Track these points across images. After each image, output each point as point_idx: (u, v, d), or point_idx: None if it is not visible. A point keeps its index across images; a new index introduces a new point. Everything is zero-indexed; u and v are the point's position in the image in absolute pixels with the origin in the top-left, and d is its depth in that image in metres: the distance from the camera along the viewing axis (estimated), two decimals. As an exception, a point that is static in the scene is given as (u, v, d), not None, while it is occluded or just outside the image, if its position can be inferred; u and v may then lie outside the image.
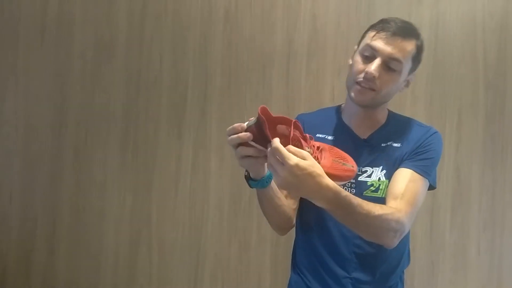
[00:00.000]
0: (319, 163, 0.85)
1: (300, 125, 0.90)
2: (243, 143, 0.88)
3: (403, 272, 1.16)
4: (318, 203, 0.85)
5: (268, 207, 1.07)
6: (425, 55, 1.15)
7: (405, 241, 1.13)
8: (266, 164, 0.91)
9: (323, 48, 1.72)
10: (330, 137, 1.12)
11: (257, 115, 0.86)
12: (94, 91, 1.83)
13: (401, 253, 1.13)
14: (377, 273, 1.08)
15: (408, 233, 1.13)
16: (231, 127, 0.88)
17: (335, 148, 0.96)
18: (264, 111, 0.87)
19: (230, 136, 0.88)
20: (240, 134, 0.86)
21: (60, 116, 1.84)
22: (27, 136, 1.85)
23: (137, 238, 1.80)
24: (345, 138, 1.11)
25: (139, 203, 1.80)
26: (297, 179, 0.79)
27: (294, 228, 1.20)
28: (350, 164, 0.93)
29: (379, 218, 0.91)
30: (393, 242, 0.97)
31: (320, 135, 1.13)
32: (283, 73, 1.74)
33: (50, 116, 1.84)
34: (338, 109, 1.19)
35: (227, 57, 1.77)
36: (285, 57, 1.73)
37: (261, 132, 0.85)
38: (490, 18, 1.65)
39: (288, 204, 1.13)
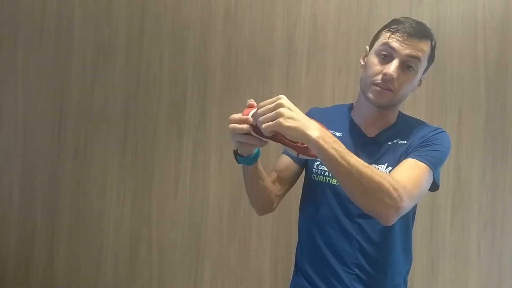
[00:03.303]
0: None
1: None
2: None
3: (407, 273, 1.16)
4: (314, 136, 0.84)
5: (250, 185, 1.10)
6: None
7: (409, 239, 1.13)
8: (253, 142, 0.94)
9: (323, 48, 1.72)
10: (338, 134, 1.12)
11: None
12: (93, 91, 1.83)
13: (405, 251, 1.13)
14: (381, 272, 1.08)
15: (411, 232, 1.14)
16: (238, 117, 0.90)
17: None
18: None
19: (233, 124, 0.91)
20: (243, 126, 0.89)
21: (60, 116, 1.84)
22: (27, 136, 1.85)
23: (137, 238, 1.80)
24: (352, 136, 1.12)
25: (139, 203, 1.80)
26: (293, 109, 0.85)
27: (296, 229, 1.20)
28: None
29: (373, 172, 0.87)
30: (389, 213, 0.89)
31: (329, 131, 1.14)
32: (283, 73, 1.73)
33: (50, 116, 1.84)
34: (350, 107, 1.20)
35: (227, 57, 1.76)
36: (285, 57, 1.73)
37: None
38: (490, 17, 1.65)
39: (273, 189, 1.15)
